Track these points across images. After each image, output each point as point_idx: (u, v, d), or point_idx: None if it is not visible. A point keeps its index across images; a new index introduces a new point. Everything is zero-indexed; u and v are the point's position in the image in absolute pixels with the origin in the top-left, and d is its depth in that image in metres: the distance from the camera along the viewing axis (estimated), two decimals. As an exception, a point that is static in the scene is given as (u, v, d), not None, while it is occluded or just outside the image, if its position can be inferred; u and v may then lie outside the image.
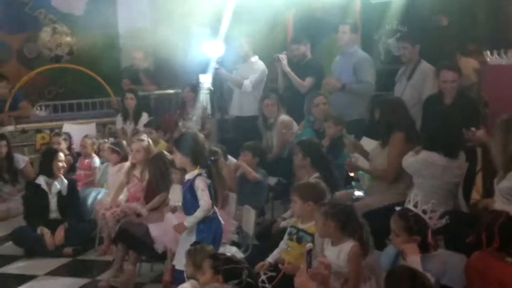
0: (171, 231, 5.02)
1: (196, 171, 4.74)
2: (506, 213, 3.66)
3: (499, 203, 4.25)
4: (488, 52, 5.87)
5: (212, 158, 5.00)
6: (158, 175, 5.85)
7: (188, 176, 4.80)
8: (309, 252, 2.91)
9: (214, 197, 4.80)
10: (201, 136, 4.99)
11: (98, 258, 6.21)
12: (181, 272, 4.54)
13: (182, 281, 4.55)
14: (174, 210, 5.23)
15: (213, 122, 8.38)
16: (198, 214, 4.68)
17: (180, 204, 5.09)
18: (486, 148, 5.34)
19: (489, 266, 3.54)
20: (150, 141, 6.45)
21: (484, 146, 5.27)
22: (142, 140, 6.30)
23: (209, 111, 8.33)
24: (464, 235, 4.02)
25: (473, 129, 5.20)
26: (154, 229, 5.30)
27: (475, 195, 5.74)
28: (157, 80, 9.63)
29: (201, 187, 4.68)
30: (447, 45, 7.36)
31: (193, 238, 4.67)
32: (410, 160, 4.85)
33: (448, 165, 4.75)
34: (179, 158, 4.86)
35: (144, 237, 5.36)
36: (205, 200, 4.66)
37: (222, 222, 4.82)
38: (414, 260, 3.36)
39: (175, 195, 5.46)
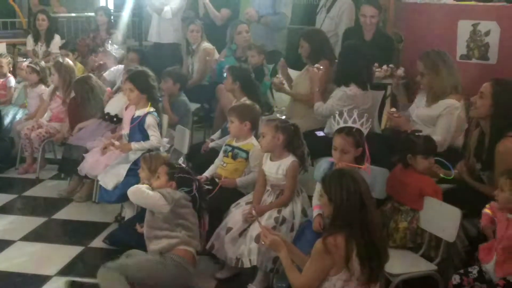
0: (103, 163, 5.14)
1: (147, 109, 4.89)
2: (425, 136, 4.13)
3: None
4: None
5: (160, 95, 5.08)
6: (86, 98, 5.88)
7: (138, 113, 4.94)
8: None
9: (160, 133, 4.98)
10: (151, 72, 5.05)
11: (19, 176, 6.25)
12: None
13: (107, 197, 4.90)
14: (120, 138, 5.29)
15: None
16: (147, 144, 4.88)
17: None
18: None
19: (410, 177, 4.01)
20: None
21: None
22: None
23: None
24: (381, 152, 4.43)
25: (391, 65, 5.60)
26: (91, 156, 5.33)
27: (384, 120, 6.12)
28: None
29: (152, 124, 4.87)
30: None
31: (126, 166, 4.86)
32: (330, 102, 5.07)
33: (364, 94, 5.12)
34: (136, 95, 4.93)
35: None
36: (155, 137, 4.88)
37: None
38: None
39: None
